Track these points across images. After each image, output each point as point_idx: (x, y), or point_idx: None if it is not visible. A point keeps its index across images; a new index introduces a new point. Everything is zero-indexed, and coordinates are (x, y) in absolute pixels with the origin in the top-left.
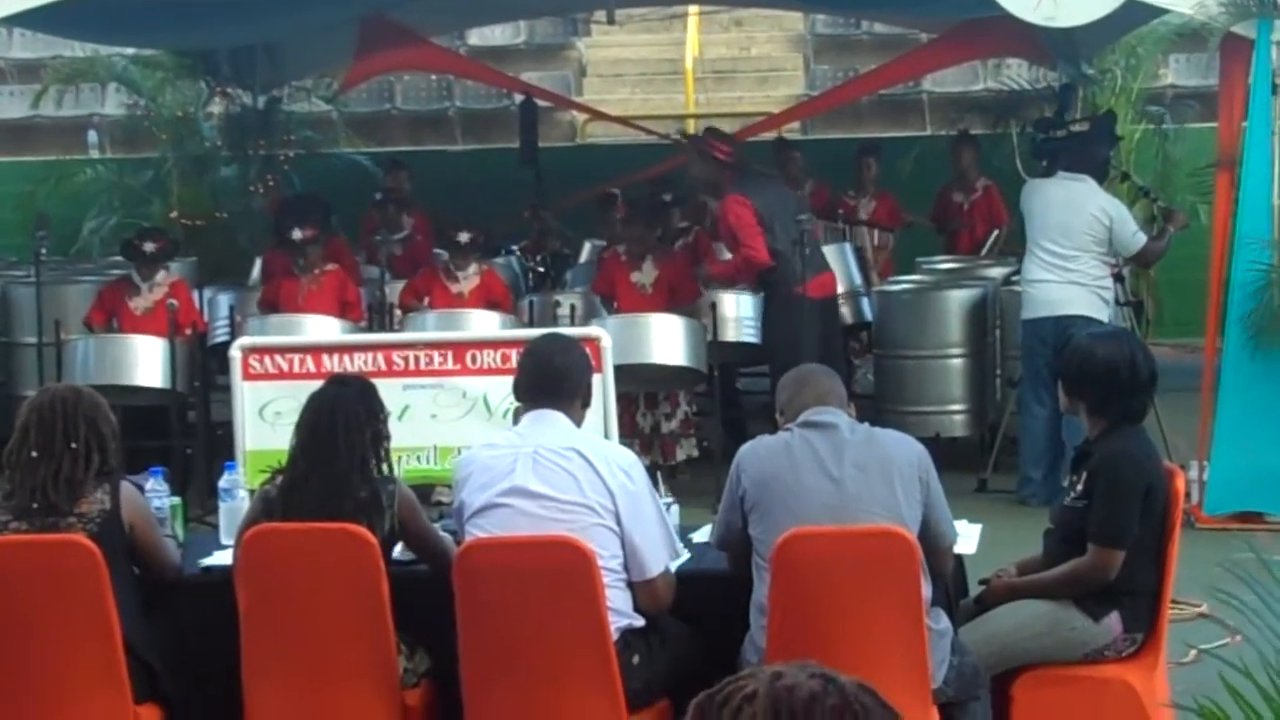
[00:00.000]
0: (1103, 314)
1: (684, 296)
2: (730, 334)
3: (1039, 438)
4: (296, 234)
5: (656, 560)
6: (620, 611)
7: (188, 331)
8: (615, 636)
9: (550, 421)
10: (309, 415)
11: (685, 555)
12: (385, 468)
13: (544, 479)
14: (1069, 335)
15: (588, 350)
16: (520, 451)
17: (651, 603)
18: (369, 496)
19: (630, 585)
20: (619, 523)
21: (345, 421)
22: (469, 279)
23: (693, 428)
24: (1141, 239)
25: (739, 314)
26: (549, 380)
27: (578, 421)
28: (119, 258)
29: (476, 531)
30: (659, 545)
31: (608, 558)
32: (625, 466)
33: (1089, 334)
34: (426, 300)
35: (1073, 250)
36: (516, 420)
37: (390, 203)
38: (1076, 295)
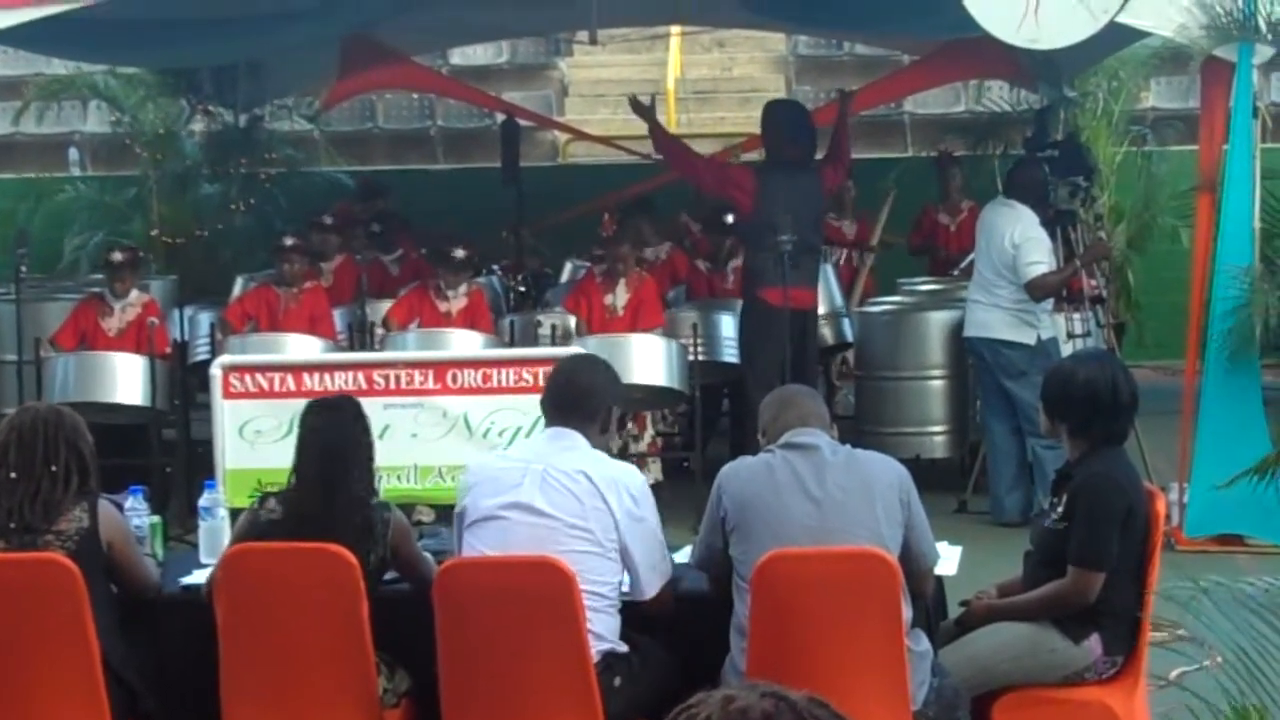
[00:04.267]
0: (1028, 337)
1: (647, 319)
2: (711, 353)
3: (996, 453)
4: (288, 240)
5: (651, 585)
6: (604, 636)
7: (168, 350)
8: (597, 659)
9: (566, 440)
10: (313, 445)
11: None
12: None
13: (549, 498)
14: (999, 357)
15: (617, 377)
16: (531, 467)
17: (656, 612)
18: (366, 522)
19: (621, 611)
20: (620, 548)
21: (352, 450)
22: (458, 299)
23: (660, 450)
24: (1035, 271)
25: (720, 333)
26: (570, 398)
27: (595, 444)
28: (100, 275)
29: (472, 540)
30: (655, 571)
31: (600, 584)
32: (634, 492)
33: (1071, 356)
34: (417, 320)
35: (993, 275)
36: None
37: (388, 228)
38: (999, 319)
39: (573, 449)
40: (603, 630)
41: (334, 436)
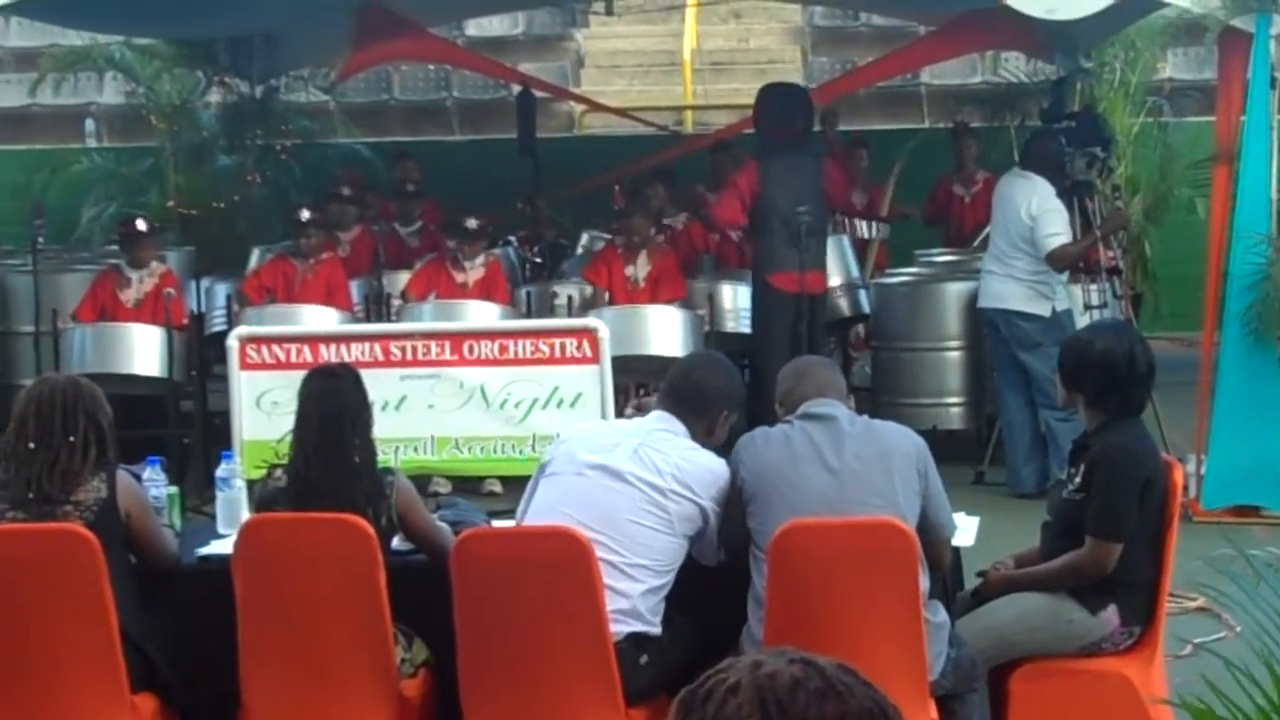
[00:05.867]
0: (1043, 308)
1: (669, 291)
2: (728, 325)
3: (1011, 424)
4: (304, 214)
5: (710, 562)
6: (643, 616)
7: (185, 322)
8: (626, 637)
9: (668, 424)
10: (312, 413)
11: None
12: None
13: (636, 470)
14: (1013, 329)
15: (740, 385)
16: (628, 439)
17: None
18: (372, 487)
19: (668, 598)
20: (696, 537)
21: (351, 417)
22: (475, 269)
23: None
24: (1053, 243)
25: (736, 305)
26: (682, 391)
27: (699, 441)
28: (116, 246)
29: (547, 487)
30: (714, 558)
31: (657, 561)
32: (723, 486)
33: (1088, 327)
34: (435, 292)
35: (1008, 246)
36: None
37: (407, 195)
38: (1014, 290)
39: (672, 435)
40: (644, 609)
41: (332, 404)
